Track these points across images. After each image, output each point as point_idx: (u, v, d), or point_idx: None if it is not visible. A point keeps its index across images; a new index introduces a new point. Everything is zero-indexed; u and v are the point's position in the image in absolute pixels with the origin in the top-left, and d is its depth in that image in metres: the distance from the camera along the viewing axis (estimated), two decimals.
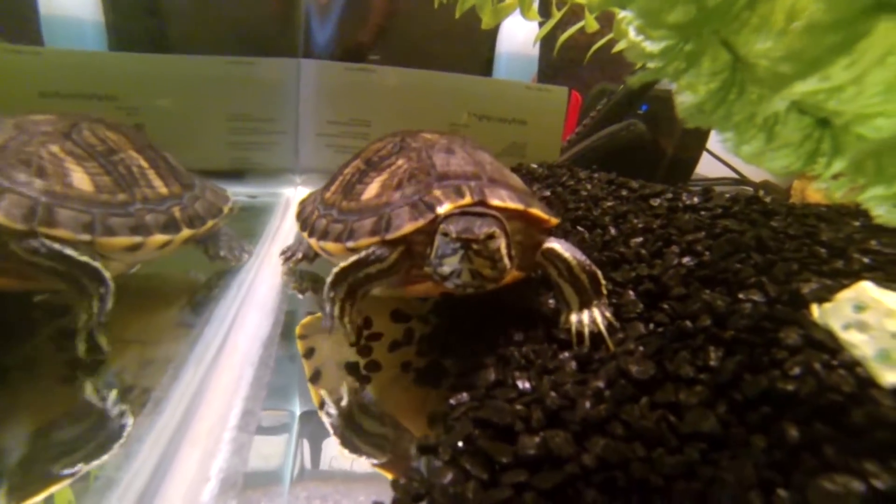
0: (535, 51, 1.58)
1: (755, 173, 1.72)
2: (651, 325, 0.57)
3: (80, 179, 0.65)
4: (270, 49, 1.37)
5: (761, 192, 0.91)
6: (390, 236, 0.60)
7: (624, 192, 0.97)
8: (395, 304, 0.71)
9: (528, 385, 0.50)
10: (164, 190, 0.76)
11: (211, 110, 1.29)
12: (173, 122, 1.24)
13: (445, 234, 0.56)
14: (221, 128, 1.31)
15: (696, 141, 1.46)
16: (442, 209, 0.60)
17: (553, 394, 0.47)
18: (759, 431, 0.39)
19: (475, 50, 1.65)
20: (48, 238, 0.58)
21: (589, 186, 1.06)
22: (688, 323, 0.52)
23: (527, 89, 1.35)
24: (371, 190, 0.68)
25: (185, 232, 0.74)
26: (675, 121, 1.54)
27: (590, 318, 0.59)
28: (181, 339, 0.68)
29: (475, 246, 0.55)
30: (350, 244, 0.64)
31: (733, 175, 1.72)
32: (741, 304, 0.51)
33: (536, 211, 0.65)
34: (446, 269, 0.57)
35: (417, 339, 0.65)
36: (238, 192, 1.26)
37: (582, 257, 0.62)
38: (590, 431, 0.43)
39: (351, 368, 0.62)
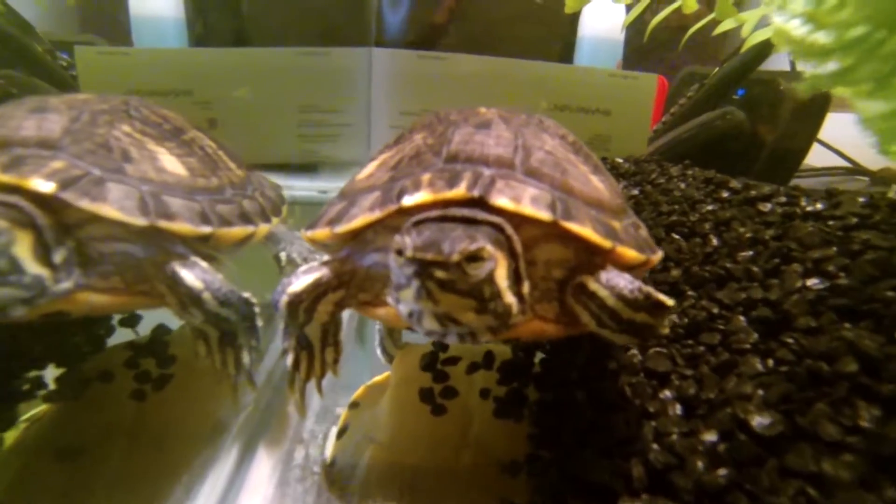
0: (621, 34, 1.47)
1: (871, 160, 1.53)
2: (770, 362, 0.49)
3: (170, 162, 0.56)
4: (344, 38, 1.35)
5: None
6: (339, 229, 0.45)
7: (724, 194, 0.86)
8: None
9: (625, 431, 0.43)
10: (240, 173, 0.67)
11: (282, 103, 1.28)
12: (245, 115, 1.25)
13: (399, 251, 0.37)
14: (293, 120, 1.30)
15: (805, 129, 1.30)
16: (411, 200, 0.42)
17: (656, 446, 0.41)
18: None
19: (555, 34, 1.55)
20: (168, 233, 0.48)
21: (682, 185, 0.96)
22: (823, 365, 0.43)
23: (611, 77, 1.25)
24: (368, 169, 0.54)
25: (274, 220, 0.66)
26: (780, 107, 1.38)
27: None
28: None
29: (439, 273, 0.35)
30: (308, 233, 0.50)
31: (845, 164, 1.54)
32: None
33: (580, 228, 0.42)
34: (403, 310, 0.39)
35: (498, 365, 0.58)
36: (308, 187, 1.26)
37: (632, 287, 0.41)
38: (705, 502, 0.36)
39: (425, 395, 0.56)
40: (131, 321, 0.63)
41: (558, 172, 0.48)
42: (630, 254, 0.45)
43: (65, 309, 0.47)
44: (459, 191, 0.42)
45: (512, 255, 0.40)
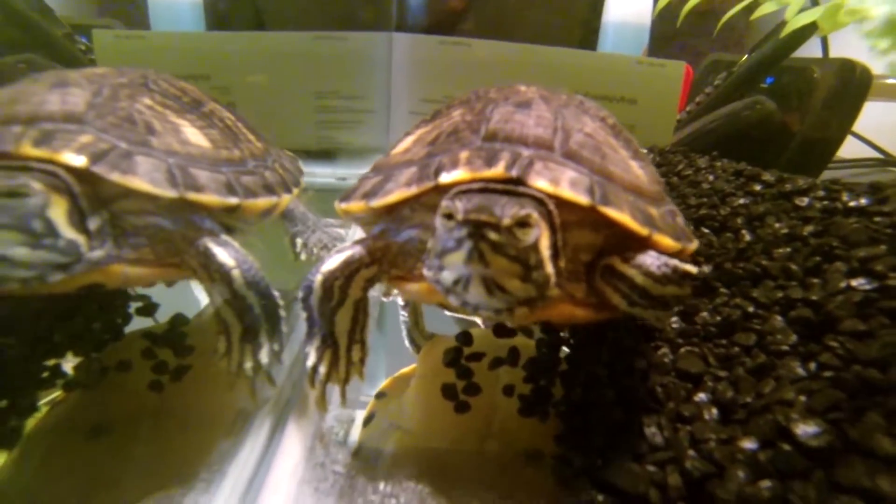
0: (647, 19, 1.42)
1: None
2: (812, 366, 0.46)
3: (194, 134, 0.56)
4: (364, 22, 1.32)
5: None
6: (374, 203, 0.46)
7: (757, 187, 0.83)
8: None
9: (659, 437, 0.41)
10: (259, 145, 0.67)
11: (300, 88, 1.26)
12: (263, 100, 1.23)
13: (448, 216, 0.37)
14: (310, 106, 1.28)
15: (839, 119, 1.25)
16: (448, 177, 0.42)
17: (692, 453, 0.39)
18: None
19: (579, 19, 1.51)
20: (193, 205, 0.49)
21: (711, 177, 0.92)
22: (875, 372, 0.40)
23: (637, 64, 1.20)
24: (405, 144, 0.54)
25: (295, 191, 0.67)
26: (812, 95, 1.33)
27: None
28: None
29: (493, 236, 0.36)
30: (343, 205, 0.51)
31: (879, 156, 1.48)
32: None
33: (618, 215, 0.42)
34: (447, 277, 0.39)
35: (524, 362, 0.56)
36: (326, 174, 1.24)
37: (659, 263, 0.41)
38: None
39: (448, 391, 0.54)
40: (148, 310, 0.62)
41: (598, 156, 0.47)
42: (666, 241, 0.45)
43: (100, 281, 0.48)
44: (498, 170, 0.42)
45: (552, 229, 0.41)
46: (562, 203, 0.42)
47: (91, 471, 0.48)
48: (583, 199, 0.42)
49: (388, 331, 0.75)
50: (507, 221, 0.36)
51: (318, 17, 1.48)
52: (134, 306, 0.60)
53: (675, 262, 0.41)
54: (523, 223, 0.37)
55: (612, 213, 0.42)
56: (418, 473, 0.46)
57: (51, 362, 0.55)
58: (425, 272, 0.43)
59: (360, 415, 0.54)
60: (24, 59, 1.15)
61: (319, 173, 1.23)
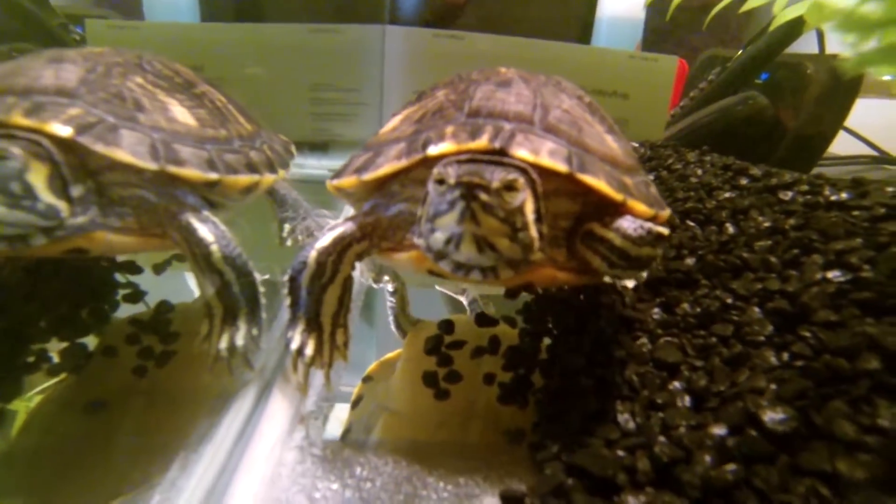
0: (641, 14, 1.42)
1: None
2: (785, 356, 0.47)
3: (181, 113, 0.58)
4: (357, 16, 1.32)
5: None
6: (366, 176, 0.48)
7: (743, 181, 0.84)
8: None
9: (632, 423, 0.42)
10: (249, 127, 0.70)
11: (294, 80, 1.26)
12: (256, 91, 1.23)
13: (440, 181, 0.40)
14: (304, 98, 1.29)
15: (831, 115, 1.25)
16: (436, 149, 0.45)
17: (663, 439, 0.39)
18: None
19: (573, 13, 1.51)
20: (175, 179, 0.51)
21: (700, 171, 0.93)
22: (842, 361, 0.41)
23: (630, 59, 1.21)
24: (392, 123, 0.56)
25: (281, 173, 0.69)
26: (805, 91, 1.34)
27: None
28: None
29: (483, 197, 0.39)
30: (335, 182, 0.54)
31: (872, 152, 1.48)
32: None
33: (594, 181, 0.45)
34: (440, 237, 0.42)
35: (504, 350, 0.57)
36: (320, 166, 1.24)
37: (635, 225, 0.44)
38: (712, 499, 0.35)
39: (429, 379, 0.56)
40: (135, 297, 0.63)
41: (574, 130, 0.50)
42: (640, 207, 0.48)
43: (83, 246, 0.50)
44: (482, 142, 0.45)
45: (535, 196, 0.43)
46: (542, 172, 0.45)
47: (86, 441, 0.51)
48: (561, 166, 0.45)
49: (377, 323, 0.76)
50: (496, 184, 0.39)
51: (312, 9, 1.47)
52: (122, 293, 0.61)
53: (649, 224, 0.44)
54: (510, 187, 0.40)
55: (588, 179, 0.45)
56: (399, 455, 0.46)
57: (36, 347, 0.56)
58: (416, 239, 0.46)
59: (340, 405, 0.55)
60: (17, 48, 1.15)
61: (313, 165, 1.23)
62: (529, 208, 0.42)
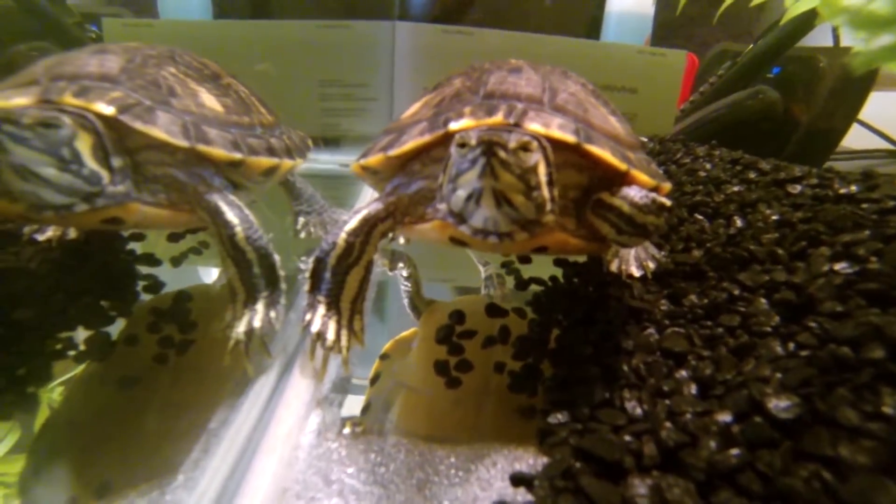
0: (650, 8, 1.42)
1: None
2: (791, 346, 0.48)
3: (209, 100, 0.64)
4: (367, 12, 1.33)
5: None
6: (392, 152, 0.53)
7: (752, 175, 0.84)
8: (485, 301, 0.66)
9: (639, 410, 0.43)
10: (270, 118, 0.75)
11: (304, 76, 1.28)
12: (268, 87, 1.24)
13: (462, 145, 0.44)
14: (315, 94, 1.30)
15: (844, 109, 1.24)
16: (456, 125, 0.50)
17: (669, 424, 0.40)
18: None
19: (582, 8, 1.51)
20: (203, 158, 0.57)
21: (708, 166, 0.93)
22: (847, 350, 0.42)
23: (639, 53, 1.21)
24: (412, 109, 0.62)
25: (298, 160, 0.74)
26: (818, 85, 1.32)
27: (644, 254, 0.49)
28: None
29: (502, 154, 0.43)
30: (363, 161, 0.58)
31: (889, 147, 1.46)
32: None
33: (600, 151, 0.50)
34: (461, 195, 0.46)
35: (514, 340, 0.59)
36: (330, 161, 1.26)
37: (641, 194, 0.48)
38: (716, 482, 0.36)
39: (440, 368, 0.57)
40: (154, 288, 0.64)
41: (580, 110, 0.55)
42: (643, 178, 0.52)
43: (120, 216, 0.55)
44: (498, 118, 0.50)
45: (547, 163, 0.47)
46: (552, 146, 0.48)
47: (119, 414, 0.55)
48: (570, 137, 0.50)
49: (388, 317, 0.78)
50: (513, 144, 0.43)
51: (322, 6, 1.49)
52: (142, 284, 0.63)
53: (653, 194, 0.49)
54: (525, 147, 0.44)
55: (594, 149, 0.50)
56: (413, 440, 0.48)
57: (63, 335, 0.58)
58: (438, 205, 0.50)
59: (352, 397, 0.56)
60: (35, 47, 1.17)
61: (324, 160, 1.25)
62: (542, 170, 0.46)
